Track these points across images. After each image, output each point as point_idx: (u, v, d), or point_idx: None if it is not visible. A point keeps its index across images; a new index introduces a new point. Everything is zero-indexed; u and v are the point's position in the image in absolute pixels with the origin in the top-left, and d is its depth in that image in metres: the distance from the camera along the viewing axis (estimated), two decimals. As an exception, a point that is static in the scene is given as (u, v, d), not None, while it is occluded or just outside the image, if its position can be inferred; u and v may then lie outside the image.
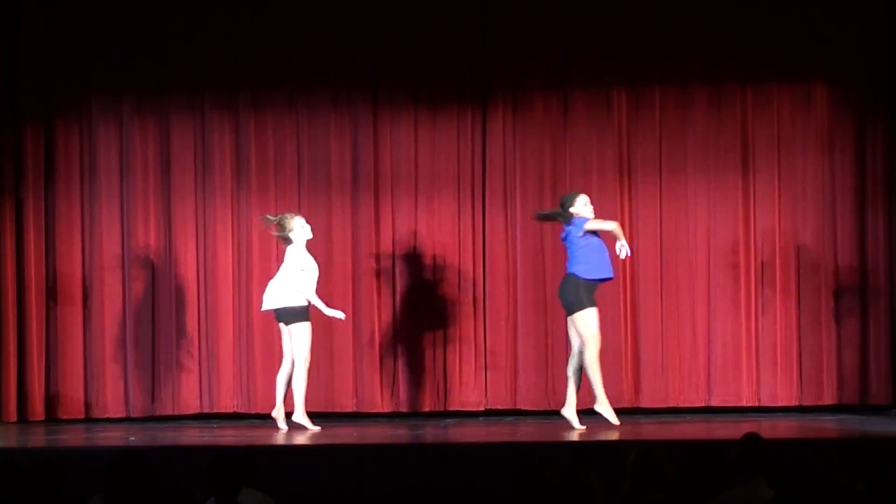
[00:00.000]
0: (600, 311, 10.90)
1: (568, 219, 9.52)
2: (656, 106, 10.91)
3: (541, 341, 10.85)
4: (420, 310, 10.83)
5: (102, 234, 10.84)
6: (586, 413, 10.71)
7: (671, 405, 10.78)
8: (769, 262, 10.85)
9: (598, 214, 10.86)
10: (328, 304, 9.70)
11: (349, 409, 10.76)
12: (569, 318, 9.50)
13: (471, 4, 10.99)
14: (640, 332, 10.85)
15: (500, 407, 10.83)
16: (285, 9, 10.93)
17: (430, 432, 9.69)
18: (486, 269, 10.90)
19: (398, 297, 10.83)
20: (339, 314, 9.74)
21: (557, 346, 10.81)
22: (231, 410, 10.76)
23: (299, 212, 10.11)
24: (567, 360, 9.76)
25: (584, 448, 6.21)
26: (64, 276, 10.82)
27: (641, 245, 10.87)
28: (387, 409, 10.76)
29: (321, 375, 10.80)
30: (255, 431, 9.82)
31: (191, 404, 10.75)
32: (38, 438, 9.63)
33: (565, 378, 10.80)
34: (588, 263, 9.43)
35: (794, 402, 10.76)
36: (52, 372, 10.78)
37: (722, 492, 5.44)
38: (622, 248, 9.46)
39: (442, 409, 10.72)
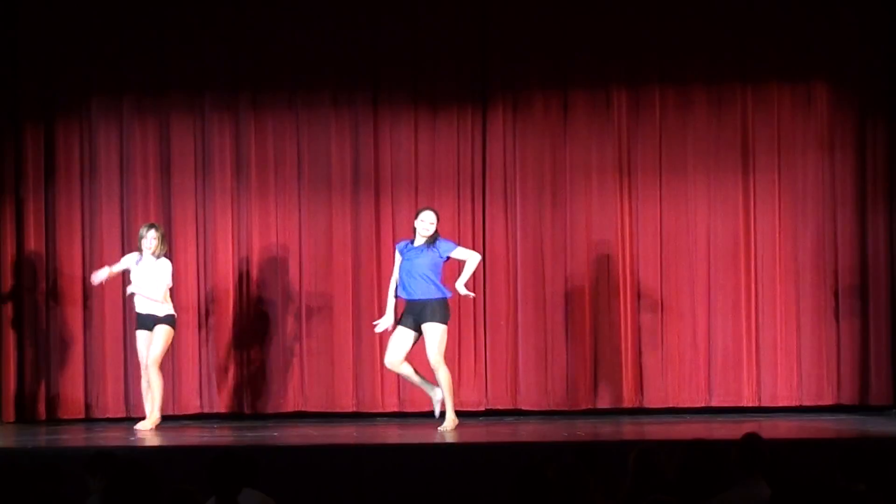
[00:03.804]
0: (599, 310, 10.94)
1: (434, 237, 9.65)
2: (656, 106, 10.90)
3: (541, 341, 10.84)
4: (420, 310, 10.83)
5: (102, 234, 10.84)
6: (592, 414, 10.73)
7: (671, 405, 10.77)
8: (769, 262, 10.84)
9: (599, 214, 10.91)
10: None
11: (349, 409, 10.76)
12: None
13: (471, 5, 10.98)
14: (640, 332, 10.83)
15: (500, 407, 10.83)
16: (285, 8, 10.93)
17: (431, 432, 9.67)
18: (486, 269, 10.88)
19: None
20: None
21: (557, 346, 10.81)
22: (231, 411, 10.75)
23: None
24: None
25: (587, 448, 6.18)
26: (64, 276, 10.82)
27: (641, 245, 10.87)
28: (387, 409, 10.76)
29: (322, 376, 10.81)
30: (255, 431, 9.81)
31: (191, 404, 10.75)
32: (38, 438, 9.62)
33: (565, 378, 10.85)
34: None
35: (794, 402, 10.76)
36: (52, 372, 10.77)
37: (722, 492, 5.44)
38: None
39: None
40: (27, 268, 10.79)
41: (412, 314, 9.52)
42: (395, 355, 9.56)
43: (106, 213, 10.85)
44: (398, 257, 9.69)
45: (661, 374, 10.81)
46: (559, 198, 10.89)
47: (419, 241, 9.59)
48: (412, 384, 9.82)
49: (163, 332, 9.80)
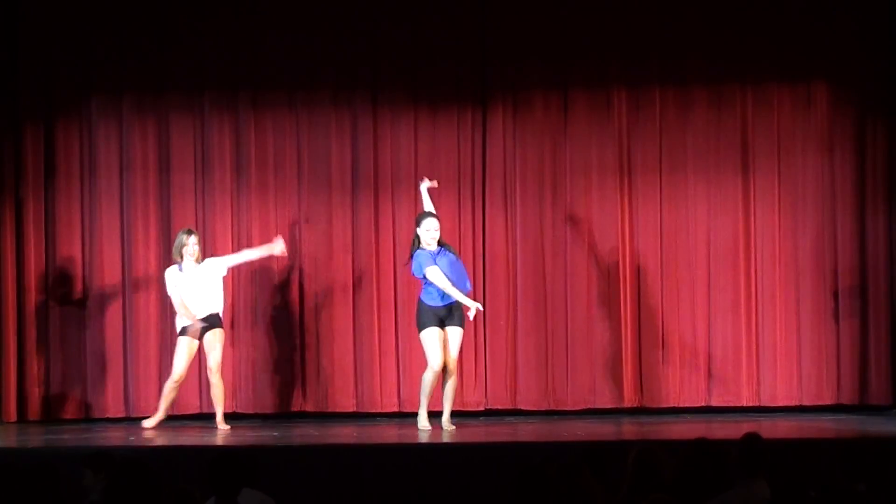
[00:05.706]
0: (599, 310, 10.91)
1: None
2: (656, 106, 10.91)
3: (541, 341, 10.84)
4: (420, 310, 10.82)
5: (102, 233, 10.84)
6: (592, 414, 10.74)
7: (671, 405, 10.77)
8: (769, 262, 10.85)
9: (599, 214, 10.91)
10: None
11: (349, 409, 10.76)
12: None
13: (471, 5, 10.98)
14: (640, 332, 10.84)
15: (500, 407, 10.83)
16: (285, 9, 10.93)
17: (430, 432, 9.67)
18: (486, 269, 10.89)
19: (398, 297, 10.82)
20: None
21: (557, 346, 10.81)
22: (230, 410, 10.74)
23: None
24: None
25: (594, 449, 6.17)
26: (64, 276, 10.82)
27: (641, 245, 10.88)
28: (387, 409, 10.76)
29: (321, 376, 10.81)
30: (255, 431, 9.82)
31: (191, 404, 10.75)
32: (38, 438, 9.62)
33: (565, 378, 10.85)
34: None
35: (794, 402, 10.77)
36: (52, 372, 10.77)
37: (722, 492, 5.44)
38: None
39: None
40: (27, 268, 10.79)
41: (438, 317, 9.53)
42: (442, 355, 9.55)
43: (106, 213, 10.85)
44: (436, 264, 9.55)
45: (660, 373, 10.81)
46: (559, 198, 10.90)
47: (434, 246, 9.55)
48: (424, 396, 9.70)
49: (222, 334, 9.96)
